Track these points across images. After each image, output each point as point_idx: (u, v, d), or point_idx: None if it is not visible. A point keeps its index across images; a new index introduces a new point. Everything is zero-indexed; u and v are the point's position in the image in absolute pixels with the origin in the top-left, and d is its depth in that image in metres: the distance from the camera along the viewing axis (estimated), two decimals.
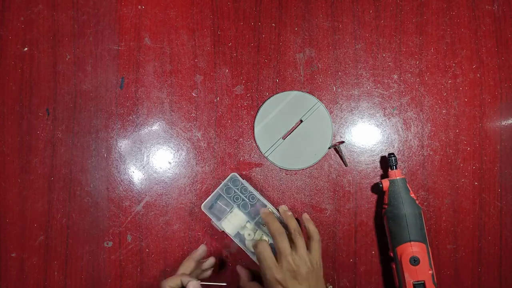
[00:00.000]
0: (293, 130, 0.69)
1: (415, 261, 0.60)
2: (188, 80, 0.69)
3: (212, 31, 0.70)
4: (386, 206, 0.64)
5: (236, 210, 0.64)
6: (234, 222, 0.64)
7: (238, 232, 0.64)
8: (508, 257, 0.68)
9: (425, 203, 0.68)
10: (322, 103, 0.69)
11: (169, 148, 0.69)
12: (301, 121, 0.69)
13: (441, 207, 0.68)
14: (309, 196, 0.68)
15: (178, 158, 0.69)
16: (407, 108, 0.69)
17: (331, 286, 0.67)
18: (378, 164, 0.68)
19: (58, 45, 0.69)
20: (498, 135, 0.69)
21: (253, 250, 0.62)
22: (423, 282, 0.60)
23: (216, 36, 0.69)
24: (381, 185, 0.64)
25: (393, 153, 0.65)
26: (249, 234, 0.64)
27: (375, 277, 0.67)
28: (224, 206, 0.65)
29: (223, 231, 0.64)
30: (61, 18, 0.70)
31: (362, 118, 0.69)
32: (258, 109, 0.69)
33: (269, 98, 0.69)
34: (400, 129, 0.69)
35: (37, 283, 0.67)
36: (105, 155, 0.68)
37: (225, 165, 0.68)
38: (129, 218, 0.68)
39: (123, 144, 0.69)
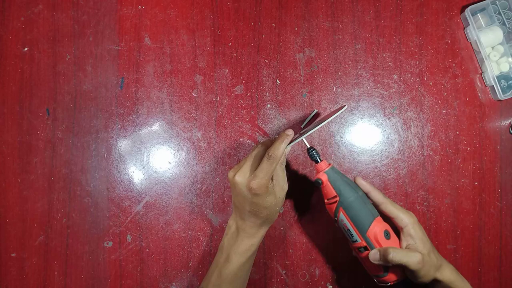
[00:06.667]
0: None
1: (387, 234, 0.57)
2: (188, 80, 0.69)
3: (212, 31, 0.69)
4: (336, 199, 0.57)
5: None
6: None
7: None
8: (508, 257, 0.68)
9: (425, 203, 0.68)
10: (322, 103, 0.69)
11: (169, 148, 0.69)
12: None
13: (441, 207, 0.68)
14: (309, 196, 0.68)
15: (178, 158, 0.69)
16: (407, 108, 0.69)
17: (331, 286, 0.67)
18: (378, 164, 0.68)
19: (58, 45, 0.69)
20: (498, 135, 0.69)
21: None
22: None
23: (216, 36, 0.69)
24: (320, 181, 0.58)
25: (311, 147, 0.59)
26: None
27: None
28: None
29: None
30: (61, 18, 0.70)
31: (362, 118, 0.69)
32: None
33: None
34: (400, 129, 0.69)
35: (37, 283, 0.67)
36: (105, 155, 0.68)
37: (225, 165, 0.68)
38: (129, 218, 0.68)
39: (123, 144, 0.69)
